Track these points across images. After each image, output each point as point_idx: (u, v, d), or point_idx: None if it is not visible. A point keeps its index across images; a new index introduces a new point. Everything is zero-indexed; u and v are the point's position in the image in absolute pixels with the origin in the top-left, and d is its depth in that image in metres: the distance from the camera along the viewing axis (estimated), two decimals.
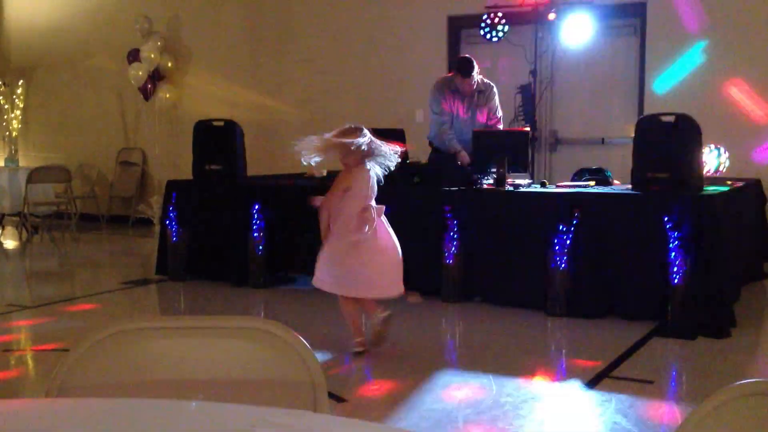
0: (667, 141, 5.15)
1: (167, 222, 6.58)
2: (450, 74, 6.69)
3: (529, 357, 4.53)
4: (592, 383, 3.96)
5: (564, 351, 4.91)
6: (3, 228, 9.82)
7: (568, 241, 5.22)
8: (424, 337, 5.02)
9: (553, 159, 8.15)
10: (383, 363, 4.39)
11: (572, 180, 6.18)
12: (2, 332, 5.17)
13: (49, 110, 11.07)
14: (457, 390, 3.88)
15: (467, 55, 6.55)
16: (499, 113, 6.57)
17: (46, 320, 5.43)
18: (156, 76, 9.90)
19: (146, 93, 10.01)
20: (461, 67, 6.31)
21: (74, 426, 1.15)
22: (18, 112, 10.94)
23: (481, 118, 6.44)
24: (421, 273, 5.80)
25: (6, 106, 10.89)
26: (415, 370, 4.20)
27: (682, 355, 4.61)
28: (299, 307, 5.64)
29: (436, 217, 5.67)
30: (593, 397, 3.79)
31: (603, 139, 7.83)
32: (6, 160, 10.57)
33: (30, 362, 4.67)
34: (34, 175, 9.17)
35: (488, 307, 5.53)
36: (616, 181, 6.01)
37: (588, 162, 6.82)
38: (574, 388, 3.93)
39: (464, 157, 6.32)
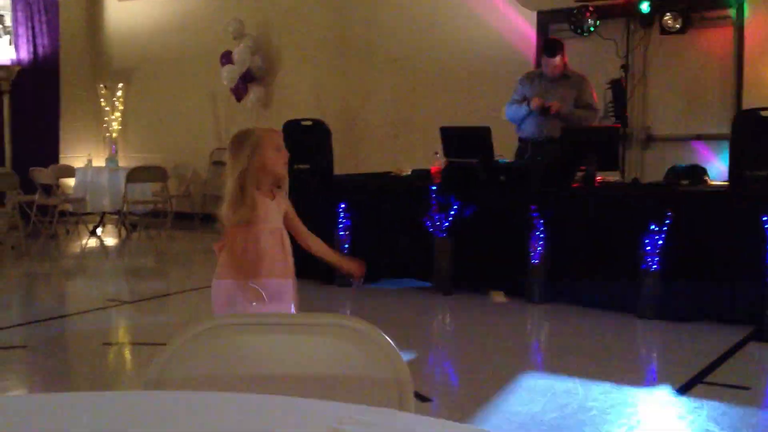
0: (767, 137, 4.94)
1: None
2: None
3: (618, 360, 4.43)
4: (684, 389, 3.84)
5: (655, 355, 4.78)
6: (104, 226, 10.27)
7: (660, 242, 5.07)
8: (509, 337, 4.97)
9: (645, 156, 7.92)
10: (468, 363, 4.38)
11: (665, 178, 5.99)
12: (102, 326, 5.41)
13: (147, 112, 11.48)
14: (542, 393, 3.84)
15: (556, 37, 6.48)
16: (597, 105, 6.41)
17: (143, 315, 5.65)
18: (247, 78, 10.14)
19: (238, 94, 10.27)
20: (546, 45, 6.31)
21: (170, 417, 1.21)
22: (118, 114, 11.41)
23: (567, 106, 6.22)
24: (507, 273, 5.76)
25: (107, 108, 11.37)
26: (500, 371, 4.18)
27: None
28: (384, 306, 5.68)
29: (522, 216, 5.61)
30: (684, 403, 3.68)
31: (698, 135, 7.56)
32: (107, 161, 11.03)
33: (128, 355, 4.88)
34: (133, 175, 9.54)
35: (576, 309, 5.43)
36: (711, 180, 5.80)
37: (682, 159, 6.60)
38: (664, 393, 3.83)
39: (535, 102, 6.18)
